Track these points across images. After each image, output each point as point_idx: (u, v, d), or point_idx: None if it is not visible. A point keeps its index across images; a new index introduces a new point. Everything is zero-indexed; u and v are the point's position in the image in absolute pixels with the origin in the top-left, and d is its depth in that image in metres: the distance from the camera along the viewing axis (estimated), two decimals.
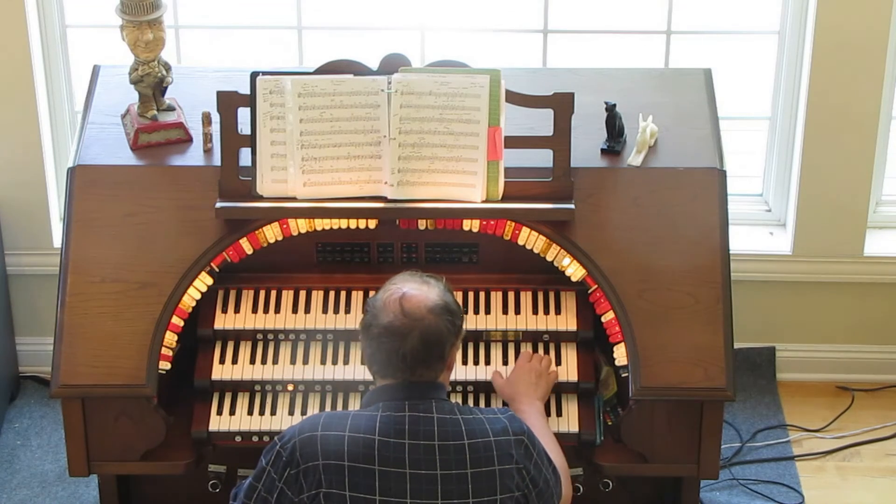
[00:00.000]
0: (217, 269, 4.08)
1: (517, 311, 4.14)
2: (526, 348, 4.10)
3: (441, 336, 3.42)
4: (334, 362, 4.07)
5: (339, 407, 4.03)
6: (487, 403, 4.05)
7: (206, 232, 4.06)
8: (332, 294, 4.16)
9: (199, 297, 4.06)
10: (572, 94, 4.01)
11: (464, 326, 3.52)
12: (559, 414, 4.03)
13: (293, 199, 4.03)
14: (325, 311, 4.13)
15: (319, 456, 3.34)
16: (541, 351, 4.09)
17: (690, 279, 4.00)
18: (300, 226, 4.08)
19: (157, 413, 3.95)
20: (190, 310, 4.05)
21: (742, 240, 4.91)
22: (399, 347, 3.39)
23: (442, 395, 3.46)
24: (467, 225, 4.09)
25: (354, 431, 3.36)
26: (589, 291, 4.07)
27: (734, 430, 4.83)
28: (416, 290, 3.45)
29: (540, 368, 3.98)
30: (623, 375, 3.98)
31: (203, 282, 4.05)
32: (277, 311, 4.14)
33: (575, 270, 4.06)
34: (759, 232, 5.02)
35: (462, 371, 4.05)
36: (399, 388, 3.42)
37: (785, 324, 5.06)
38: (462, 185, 4.02)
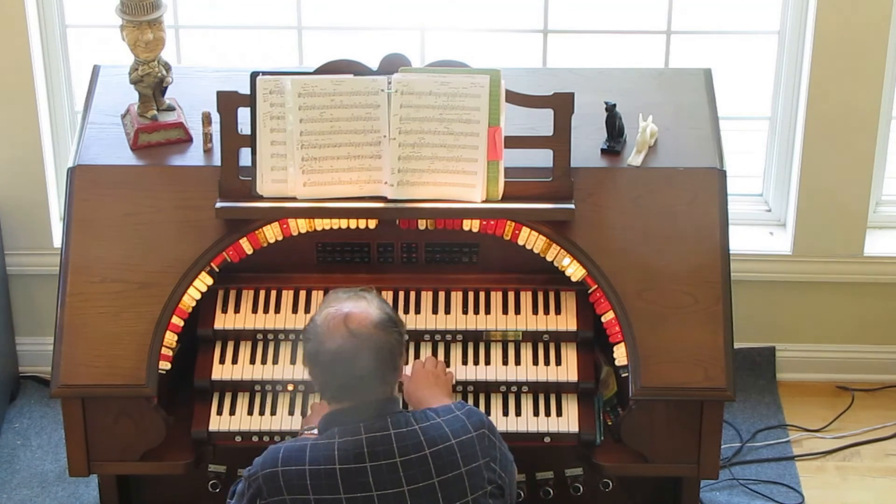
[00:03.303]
0: (217, 269, 4.08)
1: (517, 311, 4.14)
2: (525, 348, 4.11)
3: (391, 351, 3.39)
4: None
5: None
6: (487, 402, 4.05)
7: (206, 232, 4.06)
8: None
9: (199, 297, 4.06)
10: (572, 94, 4.01)
11: (405, 334, 3.49)
12: (559, 414, 4.03)
13: (293, 199, 4.03)
14: None
15: (284, 491, 3.34)
16: (541, 351, 4.09)
17: (690, 279, 4.00)
18: (300, 226, 4.08)
19: (157, 413, 3.95)
20: (190, 310, 4.05)
21: (742, 240, 4.91)
22: (353, 370, 3.35)
23: (396, 409, 3.43)
24: (467, 225, 4.09)
25: (314, 464, 3.34)
26: (589, 291, 4.07)
27: (734, 430, 4.83)
28: (356, 308, 3.39)
29: (436, 371, 3.96)
30: (623, 375, 3.98)
31: (203, 282, 4.05)
32: (277, 311, 4.14)
33: (575, 270, 4.06)
34: (759, 232, 5.02)
35: (462, 371, 4.06)
36: (353, 411, 3.39)
37: (785, 324, 5.06)
38: (462, 185, 4.02)
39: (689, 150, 4.21)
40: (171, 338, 3.99)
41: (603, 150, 4.21)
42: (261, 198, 4.04)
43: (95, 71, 4.46)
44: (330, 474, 3.33)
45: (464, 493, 3.37)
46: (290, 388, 4.06)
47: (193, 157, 4.21)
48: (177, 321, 4.00)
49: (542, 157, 4.07)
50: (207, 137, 4.22)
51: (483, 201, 4.03)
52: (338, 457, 3.34)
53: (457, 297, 4.17)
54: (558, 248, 4.06)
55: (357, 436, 3.36)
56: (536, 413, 4.03)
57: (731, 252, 4.06)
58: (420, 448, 3.36)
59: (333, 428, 3.39)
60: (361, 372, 3.35)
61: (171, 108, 4.30)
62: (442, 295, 4.17)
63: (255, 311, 4.14)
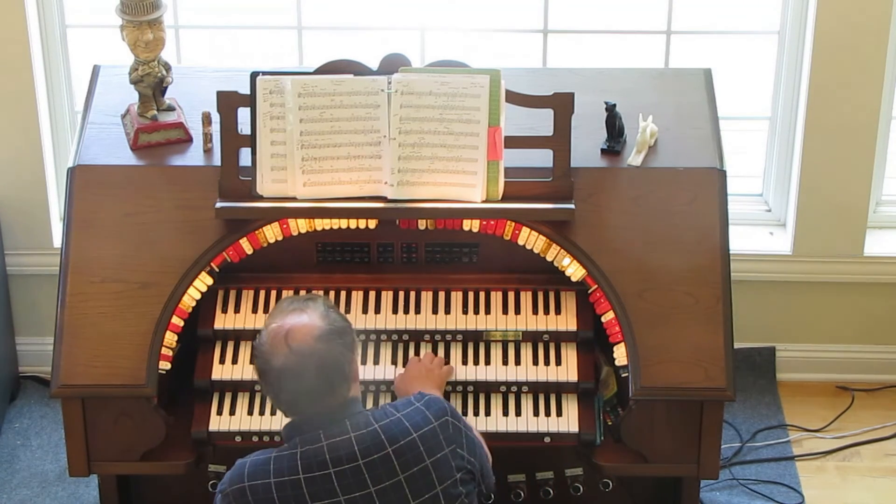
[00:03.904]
0: (217, 269, 4.08)
1: (517, 311, 4.14)
2: (525, 348, 4.11)
3: (336, 361, 3.37)
4: None
5: None
6: (487, 402, 4.05)
7: (206, 232, 4.06)
8: (331, 294, 4.16)
9: (199, 297, 4.06)
10: (572, 94, 4.01)
11: (355, 336, 3.46)
12: (559, 414, 4.03)
13: (293, 199, 4.03)
14: None
15: None
16: (541, 351, 4.09)
17: (690, 279, 4.00)
18: (300, 226, 4.08)
19: (157, 413, 3.95)
20: (190, 310, 4.05)
21: (742, 240, 4.91)
22: (299, 385, 3.34)
23: (356, 410, 3.42)
24: (467, 225, 4.09)
25: (279, 476, 3.34)
26: (589, 291, 4.07)
27: (734, 430, 4.83)
28: (297, 322, 3.37)
29: (430, 366, 3.97)
30: (623, 375, 3.98)
31: (203, 282, 4.05)
32: None
33: (575, 270, 4.06)
34: (759, 232, 5.02)
35: (462, 371, 4.06)
36: (312, 419, 3.38)
37: (785, 324, 5.06)
38: (462, 185, 4.02)
39: (689, 150, 4.21)
40: (171, 338, 3.99)
41: (603, 150, 4.21)
42: (261, 198, 4.04)
43: (95, 71, 4.46)
44: (295, 485, 3.33)
45: (432, 485, 3.37)
46: None
47: (193, 157, 4.21)
48: (177, 321, 4.00)
49: (542, 157, 4.07)
50: (207, 137, 4.22)
51: (483, 201, 4.03)
52: (301, 466, 3.34)
53: (457, 297, 4.17)
54: (558, 248, 4.06)
55: (318, 443, 3.36)
56: (536, 413, 4.03)
57: (731, 252, 4.06)
58: (382, 447, 3.36)
59: (295, 437, 3.39)
60: (308, 387, 3.35)
61: (171, 108, 4.29)
62: (442, 295, 4.17)
63: (255, 311, 4.14)
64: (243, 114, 4.01)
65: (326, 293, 4.16)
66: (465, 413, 4.02)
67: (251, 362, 3.45)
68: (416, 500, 3.36)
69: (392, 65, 4.00)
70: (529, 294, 4.17)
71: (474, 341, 4.12)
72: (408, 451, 3.37)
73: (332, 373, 3.36)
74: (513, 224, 4.06)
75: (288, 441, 3.41)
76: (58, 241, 4.89)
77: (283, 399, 3.40)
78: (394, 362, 4.07)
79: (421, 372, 3.94)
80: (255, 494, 3.34)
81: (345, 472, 3.33)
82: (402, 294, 4.17)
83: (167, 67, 4.27)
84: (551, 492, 4.19)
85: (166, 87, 4.29)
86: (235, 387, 4.08)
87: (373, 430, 3.37)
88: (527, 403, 4.05)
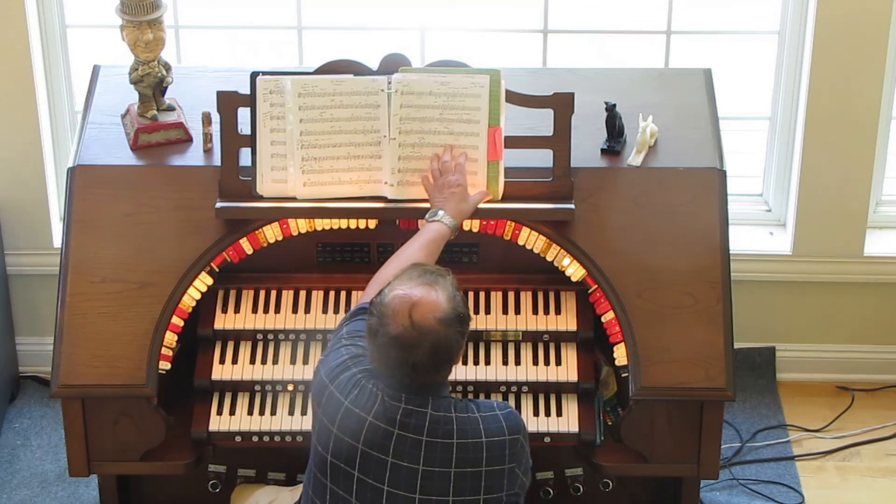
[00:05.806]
0: (217, 269, 4.08)
1: (517, 311, 4.14)
2: (525, 348, 4.10)
3: (451, 347, 3.39)
4: None
5: None
6: None
7: (206, 232, 4.06)
8: (332, 294, 4.16)
9: (199, 297, 4.06)
10: (572, 94, 4.01)
11: (469, 326, 3.47)
12: (559, 414, 4.03)
13: (293, 199, 4.04)
14: (325, 311, 4.13)
15: (322, 405, 3.43)
16: (541, 351, 4.09)
17: (690, 279, 4.00)
18: (300, 226, 4.08)
19: (157, 413, 3.95)
20: (190, 310, 4.05)
21: (742, 240, 4.91)
22: (408, 358, 3.35)
23: (442, 393, 3.45)
24: (467, 225, 4.08)
25: (352, 405, 3.39)
26: (589, 291, 4.07)
27: (734, 430, 4.83)
28: (425, 296, 3.37)
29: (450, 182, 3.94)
30: (623, 375, 3.98)
31: (203, 282, 4.05)
32: (277, 311, 4.14)
33: (575, 270, 4.06)
34: (759, 232, 5.02)
35: (462, 371, 4.06)
36: (401, 381, 3.40)
37: (785, 324, 5.06)
38: None
39: (689, 150, 4.21)
40: (171, 338, 3.99)
41: (603, 150, 4.21)
42: (261, 198, 4.04)
43: (95, 71, 4.46)
44: (360, 421, 3.37)
45: (476, 491, 3.38)
46: (290, 388, 4.06)
47: (193, 157, 4.21)
48: (177, 321, 4.00)
49: (542, 157, 4.07)
50: (207, 137, 4.22)
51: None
52: (375, 410, 3.37)
53: None
54: (558, 248, 4.06)
55: (398, 402, 3.38)
56: (536, 413, 4.03)
57: (731, 252, 4.06)
58: (449, 436, 3.38)
59: (379, 382, 3.41)
60: (415, 362, 3.36)
61: (171, 108, 4.29)
62: None
63: (255, 311, 4.14)
64: (243, 114, 4.01)
65: (326, 293, 4.16)
66: None
67: (365, 327, 3.44)
68: (456, 497, 3.37)
69: (392, 65, 4.00)
70: (529, 294, 4.17)
71: (474, 341, 4.12)
72: (471, 450, 3.38)
73: (442, 356, 3.38)
74: (513, 224, 4.06)
75: (364, 367, 3.44)
76: (58, 241, 4.89)
77: (384, 363, 3.40)
78: None
79: (444, 193, 3.92)
80: (327, 405, 3.41)
81: (406, 439, 3.36)
82: None
83: (167, 67, 4.27)
84: (551, 492, 4.20)
85: (166, 87, 4.29)
86: (235, 387, 4.08)
87: (449, 417, 3.39)
88: (527, 403, 4.05)
